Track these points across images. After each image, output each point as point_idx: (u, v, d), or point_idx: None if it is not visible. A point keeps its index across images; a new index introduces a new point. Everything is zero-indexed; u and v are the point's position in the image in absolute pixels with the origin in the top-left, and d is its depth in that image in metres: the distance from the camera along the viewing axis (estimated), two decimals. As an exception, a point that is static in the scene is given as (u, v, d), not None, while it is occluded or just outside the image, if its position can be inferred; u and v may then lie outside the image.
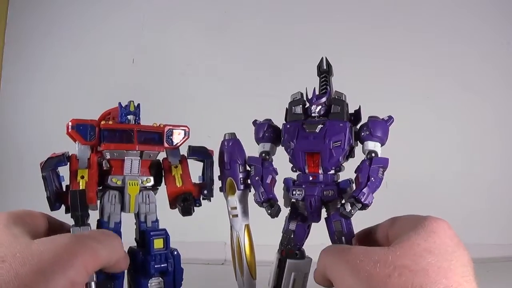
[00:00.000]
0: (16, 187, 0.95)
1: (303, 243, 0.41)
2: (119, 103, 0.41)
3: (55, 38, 1.00)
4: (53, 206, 0.38)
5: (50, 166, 0.39)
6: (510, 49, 1.03)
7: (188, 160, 0.44)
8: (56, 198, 0.38)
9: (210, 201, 0.43)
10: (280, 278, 0.40)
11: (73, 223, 0.36)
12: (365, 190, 0.36)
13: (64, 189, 0.40)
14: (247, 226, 0.43)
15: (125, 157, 0.40)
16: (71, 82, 0.98)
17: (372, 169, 0.36)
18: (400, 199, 0.91)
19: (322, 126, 0.39)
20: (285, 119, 0.42)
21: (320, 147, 0.38)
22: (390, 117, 0.39)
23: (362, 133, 0.38)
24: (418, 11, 1.03)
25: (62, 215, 0.39)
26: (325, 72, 0.41)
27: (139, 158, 0.40)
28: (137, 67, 0.98)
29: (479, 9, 1.04)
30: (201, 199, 0.43)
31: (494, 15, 1.04)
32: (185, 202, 0.41)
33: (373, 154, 0.37)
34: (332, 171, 0.39)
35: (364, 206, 0.36)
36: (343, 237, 0.38)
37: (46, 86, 0.99)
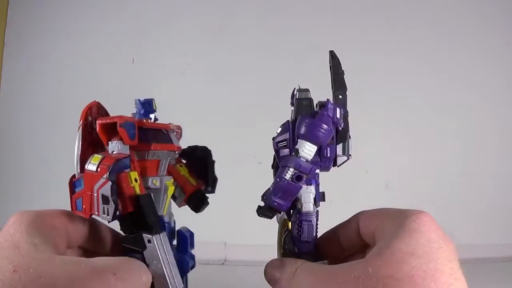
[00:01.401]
0: (16, 187, 0.95)
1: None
2: (138, 100, 0.39)
3: (55, 38, 1.00)
4: (116, 216, 0.32)
5: (117, 169, 0.33)
6: (510, 49, 1.03)
7: None
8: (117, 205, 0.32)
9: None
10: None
11: (146, 232, 0.32)
12: (268, 189, 0.34)
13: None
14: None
15: (162, 158, 0.38)
16: (71, 82, 0.98)
17: (280, 169, 0.34)
18: (400, 199, 0.92)
19: (281, 126, 0.38)
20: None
21: (274, 148, 0.38)
22: (322, 110, 0.34)
23: None
24: (418, 10, 1.03)
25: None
26: (331, 67, 0.41)
27: (169, 158, 0.39)
28: (137, 67, 0.98)
29: (479, 9, 1.04)
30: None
31: (494, 15, 1.04)
32: (203, 200, 0.41)
33: (293, 154, 0.34)
34: None
35: (270, 207, 0.34)
36: (292, 239, 0.36)
37: (46, 86, 0.99)
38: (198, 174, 0.43)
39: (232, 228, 0.87)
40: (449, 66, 1.01)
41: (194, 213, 0.43)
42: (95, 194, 0.32)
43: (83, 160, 0.34)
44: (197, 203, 0.41)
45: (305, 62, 0.96)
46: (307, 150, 0.34)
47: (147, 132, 0.37)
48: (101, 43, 0.99)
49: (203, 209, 0.42)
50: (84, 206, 0.32)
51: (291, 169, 0.33)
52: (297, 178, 0.33)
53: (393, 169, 0.96)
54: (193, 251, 0.42)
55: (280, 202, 0.34)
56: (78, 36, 1.00)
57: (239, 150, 0.87)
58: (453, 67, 1.01)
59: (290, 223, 0.38)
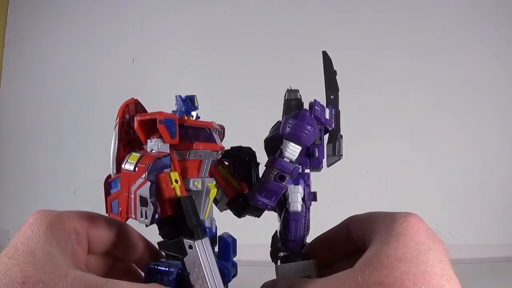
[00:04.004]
0: (16, 187, 0.95)
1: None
2: (179, 96, 0.36)
3: (55, 38, 1.00)
4: (154, 218, 0.29)
5: (157, 169, 0.30)
6: (510, 49, 1.03)
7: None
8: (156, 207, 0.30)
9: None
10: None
11: (187, 237, 0.30)
12: (252, 189, 0.35)
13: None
14: None
15: (205, 158, 0.35)
16: (71, 82, 0.98)
17: (265, 169, 0.34)
18: (400, 199, 0.92)
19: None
20: None
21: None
22: (303, 109, 0.35)
23: None
24: (418, 10, 1.03)
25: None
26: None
27: (212, 158, 0.36)
28: (137, 67, 0.98)
29: (479, 9, 1.04)
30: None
31: (494, 15, 1.04)
32: (247, 203, 0.37)
33: (277, 154, 0.34)
34: None
35: (255, 206, 0.35)
36: (277, 236, 0.36)
37: (46, 86, 0.99)
38: (241, 176, 0.40)
39: (232, 228, 0.87)
40: (449, 66, 1.01)
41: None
42: (132, 196, 0.29)
43: (119, 160, 0.31)
44: (240, 207, 0.38)
45: (306, 61, 0.96)
46: (291, 150, 0.34)
47: (188, 130, 0.33)
48: (101, 43, 0.99)
49: (242, 215, 0.39)
50: (120, 209, 0.30)
51: (275, 169, 0.33)
52: (280, 178, 0.34)
53: (393, 169, 0.96)
54: (235, 258, 0.39)
55: (264, 201, 0.34)
56: (78, 36, 1.00)
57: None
58: (453, 67, 1.01)
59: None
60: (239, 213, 0.40)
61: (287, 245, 0.36)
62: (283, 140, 0.34)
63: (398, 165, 0.96)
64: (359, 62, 0.95)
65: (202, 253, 0.30)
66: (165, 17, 1.00)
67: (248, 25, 1.00)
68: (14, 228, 0.33)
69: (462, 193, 0.98)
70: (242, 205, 0.38)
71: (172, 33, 1.00)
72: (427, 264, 0.26)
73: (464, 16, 1.03)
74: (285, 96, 0.39)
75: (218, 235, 0.38)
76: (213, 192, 0.35)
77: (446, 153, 0.99)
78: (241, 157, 0.40)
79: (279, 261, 0.36)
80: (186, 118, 0.34)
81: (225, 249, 0.37)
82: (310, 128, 0.34)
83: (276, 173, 0.33)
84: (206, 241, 0.30)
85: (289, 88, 0.39)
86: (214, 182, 0.36)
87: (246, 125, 0.95)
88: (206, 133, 0.35)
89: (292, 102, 0.38)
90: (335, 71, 0.39)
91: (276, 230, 0.39)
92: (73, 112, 0.96)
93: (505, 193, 0.99)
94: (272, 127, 0.40)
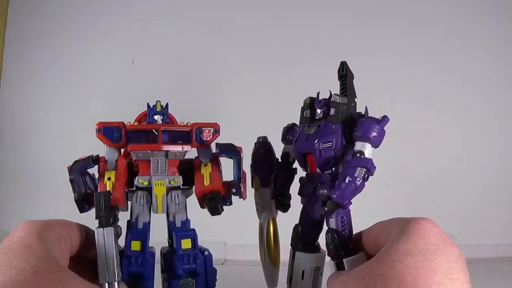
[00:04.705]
0: (16, 187, 0.95)
1: (316, 238, 0.42)
2: (147, 104, 0.41)
3: (55, 38, 1.00)
4: (82, 209, 0.39)
5: (77, 169, 0.39)
6: (510, 48, 1.03)
7: (223, 159, 0.43)
8: (83, 200, 0.39)
9: (245, 199, 0.43)
10: (293, 270, 0.42)
11: (97, 225, 0.35)
12: (337, 188, 0.36)
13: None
14: (272, 219, 0.44)
15: (151, 158, 0.39)
16: (71, 82, 0.98)
17: (350, 169, 0.36)
18: (400, 199, 0.92)
19: (316, 128, 0.40)
20: (299, 122, 0.45)
21: (311, 148, 0.39)
22: (384, 117, 0.38)
23: (353, 134, 0.38)
24: (417, 10, 1.03)
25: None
26: (343, 76, 0.42)
27: (165, 158, 0.40)
28: (137, 67, 0.98)
29: (479, 8, 1.04)
30: (231, 197, 0.42)
31: (494, 14, 1.04)
32: (211, 201, 0.39)
33: (358, 155, 0.36)
34: (329, 171, 0.39)
35: (339, 205, 0.36)
36: (335, 234, 0.37)
37: (46, 86, 0.99)
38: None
39: (232, 228, 0.87)
40: (448, 65, 1.01)
41: (194, 211, 0.42)
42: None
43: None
44: (209, 206, 0.40)
45: (306, 62, 0.96)
46: (369, 152, 0.37)
47: (132, 134, 0.39)
48: (101, 42, 0.99)
49: (215, 214, 0.40)
50: None
51: (363, 169, 0.35)
52: (367, 178, 0.36)
53: (393, 169, 0.96)
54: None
55: (350, 201, 0.36)
56: (78, 36, 1.00)
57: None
58: (452, 66, 1.01)
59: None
60: (211, 213, 0.40)
61: (344, 240, 0.37)
62: (360, 142, 0.37)
63: (398, 165, 0.96)
64: (359, 62, 0.95)
65: (99, 239, 0.34)
66: (165, 17, 1.00)
67: (248, 25, 1.00)
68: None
69: (462, 193, 0.98)
70: (210, 206, 0.40)
71: (172, 33, 1.00)
72: (432, 262, 0.27)
73: (464, 16, 1.03)
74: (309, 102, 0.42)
75: (200, 247, 0.41)
76: (157, 188, 0.39)
77: (446, 153, 0.99)
78: (222, 153, 0.42)
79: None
80: (129, 123, 0.40)
81: (175, 243, 0.40)
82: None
83: (365, 173, 0.36)
84: (108, 230, 0.35)
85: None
86: (167, 181, 0.39)
87: (246, 125, 0.95)
88: (152, 135, 0.39)
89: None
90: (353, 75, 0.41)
91: (297, 225, 0.42)
92: (73, 112, 0.96)
93: (505, 193, 0.99)
94: (289, 128, 0.44)
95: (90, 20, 1.00)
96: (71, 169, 0.39)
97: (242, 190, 0.42)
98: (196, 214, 0.42)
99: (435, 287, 0.25)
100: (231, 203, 0.42)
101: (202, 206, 0.41)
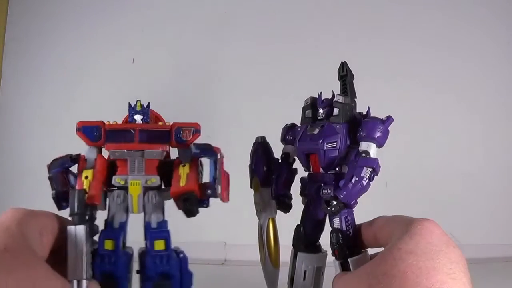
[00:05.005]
0: (16, 187, 0.95)
1: (318, 238, 0.43)
2: (129, 103, 0.41)
3: (55, 38, 1.00)
4: (60, 206, 0.40)
5: (55, 167, 0.40)
6: (510, 49, 1.03)
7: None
8: (61, 198, 0.39)
9: (224, 202, 0.42)
10: (295, 270, 0.42)
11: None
12: (344, 188, 0.36)
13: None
14: (272, 219, 0.45)
15: (128, 157, 0.40)
16: (71, 82, 0.98)
17: (357, 169, 0.36)
18: (400, 199, 0.92)
19: (320, 128, 0.40)
20: (301, 123, 0.45)
21: (315, 148, 0.39)
22: (389, 117, 0.39)
23: (357, 135, 0.38)
24: (417, 10, 1.03)
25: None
26: (344, 76, 0.42)
27: (141, 157, 0.40)
28: (137, 67, 0.98)
29: (480, 8, 1.04)
30: (208, 199, 0.41)
31: (495, 14, 1.04)
32: (186, 202, 0.38)
33: (363, 155, 0.37)
34: (333, 171, 0.39)
35: (346, 205, 0.36)
36: (340, 234, 0.37)
37: (46, 86, 0.99)
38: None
39: (232, 228, 0.87)
40: (448, 65, 1.01)
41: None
42: None
43: None
44: (184, 207, 0.39)
45: (306, 62, 0.96)
46: (374, 152, 0.37)
47: (109, 134, 0.40)
48: (101, 43, 0.99)
49: (190, 216, 0.39)
50: None
51: (370, 169, 0.36)
52: (373, 177, 0.36)
53: (393, 169, 0.96)
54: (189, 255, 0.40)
55: (356, 201, 0.36)
56: (78, 36, 1.00)
57: (239, 150, 0.86)
58: (453, 67, 1.01)
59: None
60: (186, 214, 0.39)
61: (349, 240, 0.38)
62: (365, 142, 0.37)
63: (398, 165, 0.96)
64: (359, 62, 0.95)
65: (71, 237, 0.34)
66: (165, 17, 1.00)
67: (249, 25, 1.00)
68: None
69: (463, 193, 0.98)
70: (184, 207, 0.39)
71: (172, 33, 1.00)
72: (435, 261, 0.27)
73: (463, 16, 1.03)
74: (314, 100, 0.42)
75: (173, 247, 0.40)
76: (132, 188, 0.39)
77: (446, 153, 0.99)
78: (200, 154, 0.41)
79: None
80: (108, 123, 0.41)
81: (149, 244, 0.39)
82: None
83: (371, 173, 0.36)
84: (80, 228, 0.35)
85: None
86: (143, 180, 0.39)
87: (246, 125, 0.95)
88: (129, 135, 0.40)
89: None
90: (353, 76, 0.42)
91: (298, 225, 0.43)
92: (73, 111, 0.96)
93: (506, 193, 0.99)
94: (290, 128, 0.44)
95: (90, 20, 1.00)
96: (49, 167, 0.40)
97: (219, 191, 0.39)
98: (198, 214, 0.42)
99: (437, 286, 0.26)
100: (207, 205, 0.40)
101: (178, 207, 0.40)
